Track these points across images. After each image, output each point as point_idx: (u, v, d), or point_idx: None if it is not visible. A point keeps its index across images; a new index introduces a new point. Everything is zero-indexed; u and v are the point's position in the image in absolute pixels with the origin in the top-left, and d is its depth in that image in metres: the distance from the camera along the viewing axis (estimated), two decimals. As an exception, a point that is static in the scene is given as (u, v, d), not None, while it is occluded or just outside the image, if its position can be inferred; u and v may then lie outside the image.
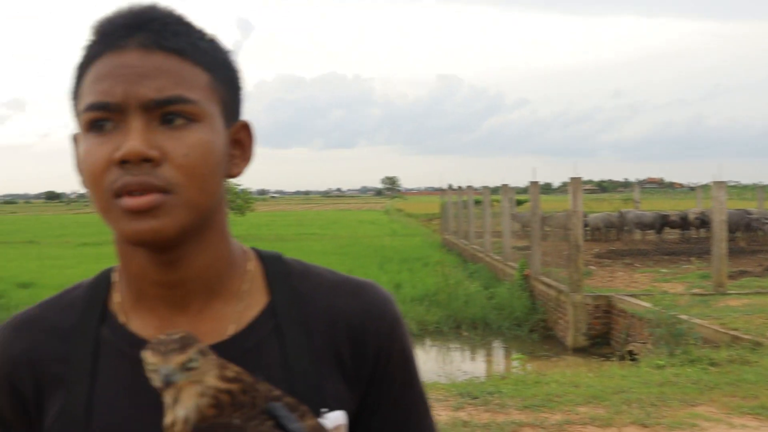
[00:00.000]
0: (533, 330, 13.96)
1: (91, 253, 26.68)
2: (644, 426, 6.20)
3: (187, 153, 0.95)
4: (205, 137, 0.97)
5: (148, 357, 0.88)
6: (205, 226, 1.03)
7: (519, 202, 34.86)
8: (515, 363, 10.34)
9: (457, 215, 27.79)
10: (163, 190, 0.94)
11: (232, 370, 0.91)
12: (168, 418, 0.88)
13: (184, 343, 0.89)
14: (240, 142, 1.08)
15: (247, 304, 1.09)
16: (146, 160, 0.92)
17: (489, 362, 12.54)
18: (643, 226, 23.87)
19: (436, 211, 39.62)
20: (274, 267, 1.13)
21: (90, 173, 0.96)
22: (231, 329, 1.06)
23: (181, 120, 0.95)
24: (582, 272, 12.90)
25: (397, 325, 1.12)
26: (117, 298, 1.10)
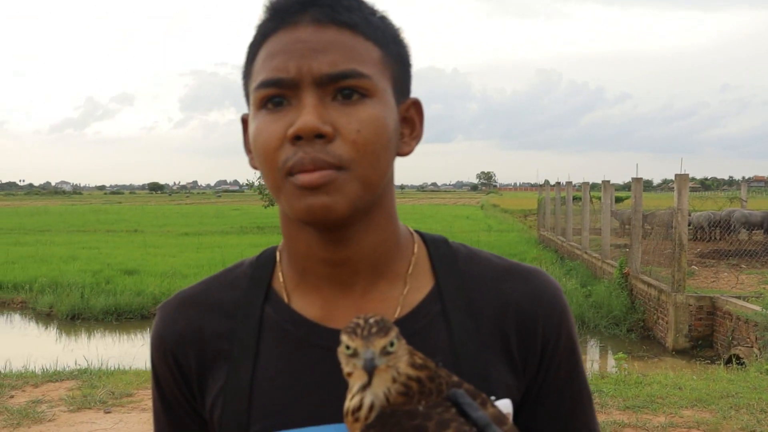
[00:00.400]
0: (631, 330, 13.63)
1: (192, 242, 27.57)
2: (754, 432, 5.98)
3: (360, 128, 0.93)
4: (377, 113, 0.95)
5: (347, 341, 0.85)
6: (375, 206, 1.01)
7: (618, 199, 34.02)
8: (615, 362, 10.12)
9: (554, 211, 27.28)
10: (335, 167, 0.93)
11: (420, 356, 0.88)
12: (352, 402, 0.86)
13: (384, 327, 0.86)
14: (410, 120, 1.06)
15: (412, 287, 1.07)
16: (319, 136, 0.92)
17: (585, 361, 12.32)
18: (751, 225, 22.87)
19: (533, 207, 39.11)
20: (440, 250, 1.11)
21: (263, 150, 0.96)
22: (397, 312, 1.04)
23: (355, 95, 0.94)
24: (685, 272, 12.50)
25: (565, 314, 1.09)
26: (280, 278, 1.09)
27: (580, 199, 22.06)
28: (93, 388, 7.35)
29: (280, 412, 1.01)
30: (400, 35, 1.04)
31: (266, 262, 1.12)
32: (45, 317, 15.53)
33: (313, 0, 0.96)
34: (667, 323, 12.49)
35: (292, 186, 0.94)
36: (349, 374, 0.87)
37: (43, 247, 25.15)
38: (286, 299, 1.07)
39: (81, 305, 15.45)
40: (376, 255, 1.04)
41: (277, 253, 1.12)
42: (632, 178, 15.35)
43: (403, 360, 0.86)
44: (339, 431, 0.99)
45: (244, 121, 1.06)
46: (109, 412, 6.54)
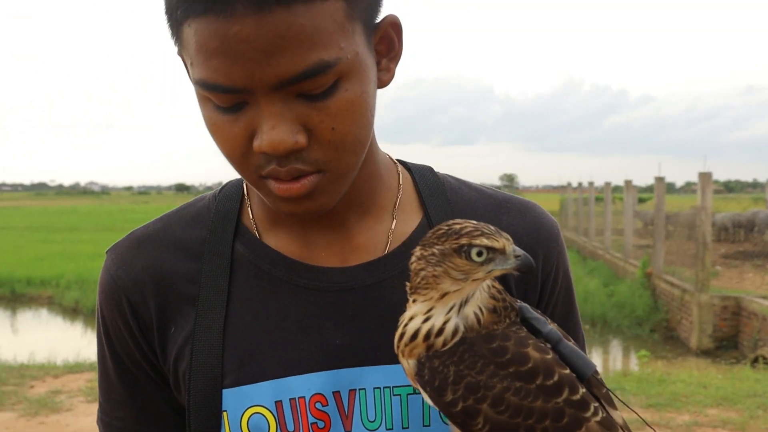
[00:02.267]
0: (654, 330, 13.48)
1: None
2: (780, 431, 5.90)
3: (335, 125, 0.82)
4: (352, 94, 0.82)
5: (489, 243, 0.77)
6: None
7: (640, 201, 33.74)
8: (638, 361, 10.00)
9: (576, 212, 27.21)
10: (315, 171, 0.84)
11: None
12: (425, 326, 0.79)
13: (494, 227, 0.79)
14: (386, 39, 0.91)
15: (401, 220, 1.00)
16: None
17: (607, 359, 12.21)
18: (776, 226, 22.56)
19: (555, 208, 38.85)
20: (426, 180, 1.04)
21: (228, 154, 0.85)
22: (387, 246, 0.98)
23: (321, 90, 0.80)
24: (709, 271, 12.34)
25: (563, 250, 1.04)
26: (250, 213, 0.99)
27: (603, 200, 21.90)
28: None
29: (259, 361, 0.92)
30: None
31: (232, 194, 1.01)
32: (71, 312, 15.72)
33: None
34: (690, 323, 12.32)
35: (268, 189, 0.86)
36: (446, 294, 0.79)
37: (70, 245, 25.43)
38: (258, 236, 0.97)
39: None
40: (358, 190, 0.96)
41: (245, 186, 1.02)
42: (655, 178, 15.19)
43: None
44: (328, 380, 0.92)
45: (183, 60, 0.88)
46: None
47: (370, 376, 0.93)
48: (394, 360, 0.88)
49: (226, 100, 0.80)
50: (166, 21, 0.83)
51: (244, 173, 0.87)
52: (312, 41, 0.76)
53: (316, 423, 0.91)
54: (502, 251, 0.78)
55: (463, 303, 0.79)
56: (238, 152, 0.83)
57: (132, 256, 0.98)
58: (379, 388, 0.93)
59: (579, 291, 14.55)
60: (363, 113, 0.84)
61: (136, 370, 0.98)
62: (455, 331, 0.79)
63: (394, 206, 1.00)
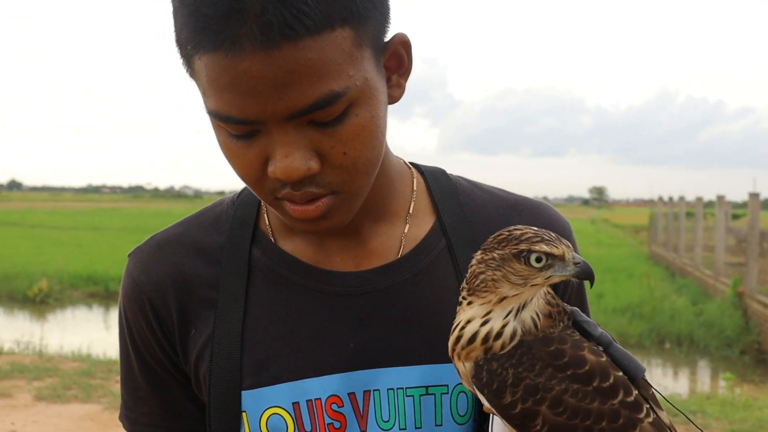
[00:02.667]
0: (745, 352, 12.93)
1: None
2: None
3: (346, 150, 0.84)
4: (362, 119, 0.84)
5: (549, 249, 0.78)
6: None
7: (735, 217, 32.46)
8: (723, 383, 9.66)
9: (666, 227, 26.41)
10: (329, 193, 0.87)
11: None
12: (483, 329, 0.81)
13: (555, 233, 0.81)
14: (396, 55, 0.92)
15: (413, 224, 1.01)
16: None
17: (693, 381, 11.80)
18: None
19: (645, 222, 37.83)
20: (439, 183, 1.05)
21: (243, 178, 0.89)
22: (400, 249, 1.00)
23: (332, 118, 0.82)
24: (806, 293, 11.80)
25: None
26: (266, 219, 1.02)
27: (694, 215, 21.20)
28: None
29: (276, 364, 0.95)
30: None
31: (249, 200, 1.03)
32: (158, 311, 16.17)
33: (246, 9, 0.75)
34: (784, 347, 11.80)
35: (285, 209, 0.89)
36: (505, 298, 0.80)
37: (161, 246, 26.28)
38: (273, 241, 1.00)
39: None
40: (372, 201, 0.98)
41: None
42: (749, 193, 14.61)
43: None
44: (343, 382, 0.95)
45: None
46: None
47: (385, 378, 0.96)
48: (406, 362, 0.92)
49: (239, 129, 0.83)
50: (177, 49, 0.85)
51: (260, 194, 0.90)
52: (321, 73, 0.78)
53: (332, 423, 0.95)
54: (561, 258, 0.79)
55: (521, 307, 0.81)
56: (253, 176, 0.87)
57: (154, 261, 1.02)
58: (393, 389, 0.96)
59: (665, 308, 14.11)
60: (374, 136, 0.86)
61: (159, 369, 1.02)
62: (513, 335, 0.80)
63: (408, 211, 1.02)
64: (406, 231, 1.01)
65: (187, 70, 0.86)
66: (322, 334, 0.96)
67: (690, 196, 21.40)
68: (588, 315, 1.05)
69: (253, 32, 0.75)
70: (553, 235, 0.80)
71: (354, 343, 0.97)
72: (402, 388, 0.96)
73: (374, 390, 0.96)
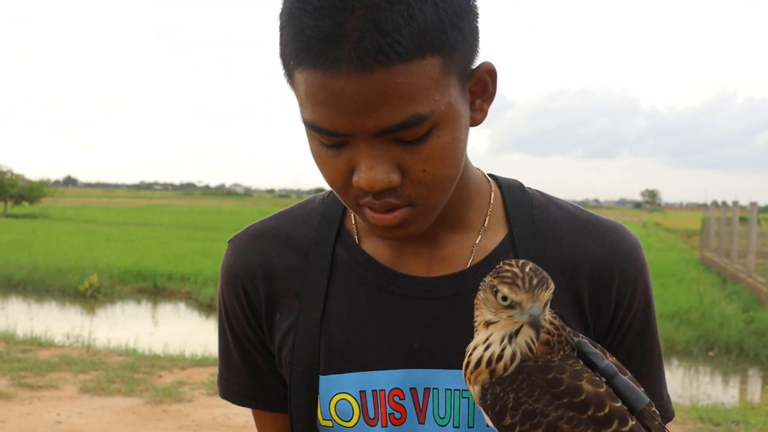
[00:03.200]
0: (797, 361, 12.63)
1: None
2: None
3: (426, 167, 0.90)
4: (444, 141, 0.90)
5: (509, 293, 0.82)
6: None
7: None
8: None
9: (719, 232, 25.86)
10: (407, 205, 0.93)
11: (550, 309, 0.87)
12: (487, 353, 0.86)
13: (544, 278, 0.83)
14: (481, 81, 0.98)
15: (486, 235, 1.06)
16: None
17: (740, 390, 11.54)
18: None
19: (697, 227, 37.14)
20: (515, 197, 1.09)
21: (332, 183, 0.95)
22: (470, 260, 1.05)
23: (415, 139, 0.89)
24: None
25: (643, 270, 1.07)
26: (353, 218, 1.10)
27: (747, 220, 20.72)
28: (234, 374, 7.73)
29: (349, 354, 1.03)
30: (454, 8, 0.87)
31: (338, 199, 1.10)
32: (206, 308, 16.31)
33: (358, 26, 0.82)
34: (837, 357, 11.47)
35: (365, 215, 0.95)
36: (490, 323, 0.85)
37: (211, 243, 26.60)
38: (357, 240, 1.08)
39: (240, 299, 16.16)
40: (449, 212, 1.04)
41: None
42: (805, 199, 14.24)
43: (545, 312, 0.85)
44: (406, 377, 1.02)
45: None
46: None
47: (443, 378, 1.02)
48: None
49: (330, 140, 0.91)
50: (280, 62, 0.93)
51: (344, 200, 0.97)
52: (409, 97, 0.85)
53: (393, 414, 1.03)
54: (519, 304, 0.82)
55: (515, 334, 0.85)
56: (339, 183, 0.94)
57: (248, 249, 1.12)
58: (450, 389, 1.02)
59: (714, 315, 13.83)
60: (453, 156, 0.93)
61: (250, 346, 1.13)
62: (513, 357, 0.85)
63: (483, 223, 1.07)
64: (477, 242, 1.06)
65: (288, 81, 0.94)
66: (391, 332, 1.04)
67: (745, 201, 20.93)
68: (652, 335, 1.09)
69: (350, 56, 0.82)
70: (531, 282, 0.82)
71: (418, 343, 1.04)
72: (459, 390, 1.02)
73: (434, 388, 1.03)
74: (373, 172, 0.89)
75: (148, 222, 39.26)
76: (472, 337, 0.93)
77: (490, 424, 0.87)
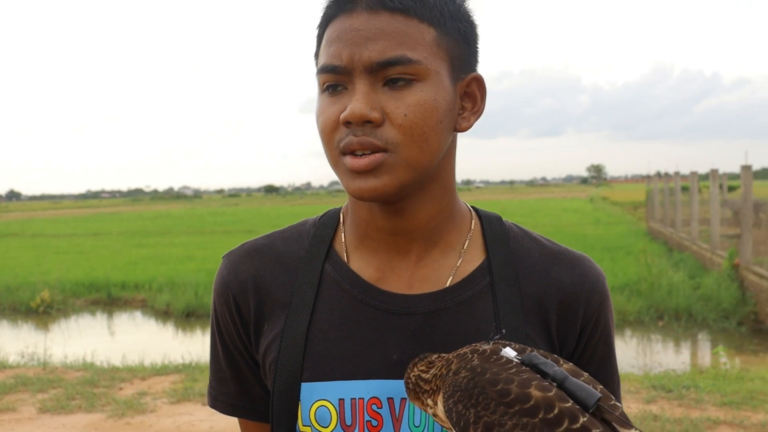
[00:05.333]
0: (742, 323, 13.05)
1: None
2: None
3: (407, 112, 1.00)
4: (426, 96, 1.01)
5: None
6: (431, 180, 1.08)
7: (731, 189, 32.54)
8: (720, 357, 9.78)
9: (663, 203, 26.49)
10: (383, 149, 1.01)
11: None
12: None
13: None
14: (471, 95, 1.10)
15: (465, 260, 1.14)
16: (368, 121, 0.99)
17: (690, 355, 11.92)
18: None
19: (643, 199, 37.92)
20: (493, 227, 1.18)
21: (322, 131, 1.05)
22: (448, 280, 1.12)
23: (400, 81, 1.00)
24: (799, 262, 11.90)
25: (606, 301, 1.16)
26: (342, 238, 1.18)
27: (690, 188, 21.27)
28: (194, 381, 7.73)
29: (331, 364, 1.10)
30: (462, 10, 1.07)
31: (329, 221, 1.20)
32: (162, 315, 16.18)
33: None
34: (780, 316, 11.91)
35: (344, 166, 1.04)
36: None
37: (162, 248, 26.32)
38: (345, 259, 1.15)
39: (195, 303, 15.99)
40: (431, 225, 1.12)
41: (341, 215, 1.21)
42: (741, 166, 14.69)
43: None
44: (384, 387, 1.09)
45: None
46: (206, 405, 6.87)
47: None
48: None
49: (334, 78, 1.02)
50: (315, 46, 1.09)
51: (329, 151, 1.05)
52: (401, 40, 1.00)
53: (370, 421, 1.08)
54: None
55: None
56: (330, 127, 1.03)
57: (241, 263, 1.19)
58: None
59: (663, 284, 14.15)
60: (432, 114, 1.02)
61: (238, 356, 1.19)
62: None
63: (463, 246, 1.16)
64: (458, 264, 1.14)
65: (316, 63, 1.08)
66: (371, 344, 1.10)
67: (688, 170, 21.40)
68: (612, 360, 1.18)
69: (364, 1, 1.01)
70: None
71: (397, 355, 1.10)
72: None
73: None
74: (358, 104, 0.99)
75: (97, 231, 38.53)
76: (447, 351, 1.02)
77: None
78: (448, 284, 1.12)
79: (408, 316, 1.11)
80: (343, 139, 1.02)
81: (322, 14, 1.07)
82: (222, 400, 1.24)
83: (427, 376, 1.00)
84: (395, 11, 1.00)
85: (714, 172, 18.64)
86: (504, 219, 1.21)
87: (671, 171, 25.16)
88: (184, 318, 15.79)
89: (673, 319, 13.50)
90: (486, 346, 0.97)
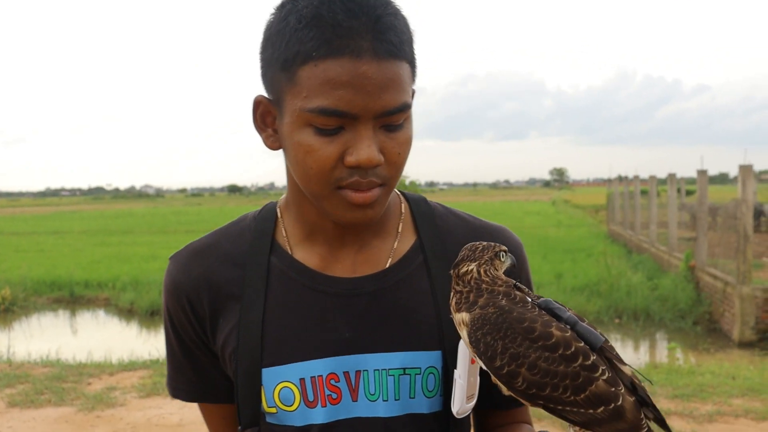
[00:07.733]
0: (697, 322, 13.45)
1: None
2: (802, 421, 5.95)
3: (400, 151, 1.09)
4: (410, 132, 1.11)
5: (503, 251, 1.10)
6: None
7: (690, 193, 33.20)
8: (668, 353, 10.09)
9: (623, 206, 26.97)
10: (380, 185, 1.10)
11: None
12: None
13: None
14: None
15: (400, 241, 1.26)
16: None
17: (649, 354, 12.24)
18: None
19: (603, 202, 38.47)
20: (420, 208, 1.30)
21: (317, 167, 1.07)
22: (388, 262, 1.24)
23: (399, 124, 1.08)
24: (751, 263, 12.29)
25: (524, 264, 1.30)
26: (283, 232, 1.26)
27: (649, 192, 21.74)
28: (162, 376, 7.74)
29: (288, 347, 1.19)
30: (410, 29, 1.10)
31: (268, 216, 1.28)
32: (126, 313, 16.14)
33: (373, 27, 1.03)
34: (733, 316, 12.31)
35: (341, 198, 1.12)
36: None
37: (126, 247, 26.09)
38: (289, 251, 1.24)
39: (160, 302, 15.88)
40: (377, 219, 1.22)
41: (278, 210, 1.27)
42: (697, 171, 15.13)
43: None
44: (339, 363, 1.19)
45: (258, 103, 1.15)
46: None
47: (372, 361, 1.19)
48: (389, 349, 1.18)
49: (336, 122, 1.04)
50: (269, 67, 1.09)
51: (321, 186, 1.09)
52: (402, 87, 1.06)
53: (330, 395, 1.18)
54: (506, 252, 1.11)
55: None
56: (328, 167, 1.07)
57: (190, 263, 1.24)
58: (378, 369, 1.19)
59: (622, 285, 14.45)
60: (411, 145, 1.13)
61: (194, 348, 1.25)
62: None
63: (397, 230, 1.27)
64: (395, 246, 1.25)
65: (280, 81, 1.08)
66: (324, 326, 1.19)
67: (648, 174, 21.85)
68: (531, 285, 1.31)
69: (371, 47, 1.02)
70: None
71: (348, 333, 1.19)
72: (385, 369, 1.19)
73: (364, 370, 1.19)
74: (371, 149, 1.04)
75: (58, 230, 37.96)
76: (393, 325, 1.17)
77: (483, 365, 1.06)
78: (388, 265, 1.22)
79: (354, 296, 1.20)
80: (346, 178, 1.07)
81: (295, 46, 1.04)
82: (182, 388, 1.30)
83: (459, 287, 1.10)
84: (396, 58, 1.04)
85: (672, 176, 19.11)
86: (428, 199, 1.33)
87: (631, 175, 25.63)
88: (149, 316, 15.76)
89: (631, 319, 13.84)
90: (512, 290, 1.09)
